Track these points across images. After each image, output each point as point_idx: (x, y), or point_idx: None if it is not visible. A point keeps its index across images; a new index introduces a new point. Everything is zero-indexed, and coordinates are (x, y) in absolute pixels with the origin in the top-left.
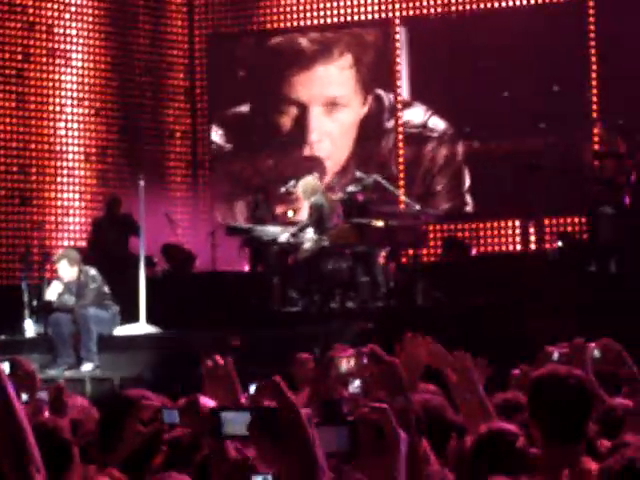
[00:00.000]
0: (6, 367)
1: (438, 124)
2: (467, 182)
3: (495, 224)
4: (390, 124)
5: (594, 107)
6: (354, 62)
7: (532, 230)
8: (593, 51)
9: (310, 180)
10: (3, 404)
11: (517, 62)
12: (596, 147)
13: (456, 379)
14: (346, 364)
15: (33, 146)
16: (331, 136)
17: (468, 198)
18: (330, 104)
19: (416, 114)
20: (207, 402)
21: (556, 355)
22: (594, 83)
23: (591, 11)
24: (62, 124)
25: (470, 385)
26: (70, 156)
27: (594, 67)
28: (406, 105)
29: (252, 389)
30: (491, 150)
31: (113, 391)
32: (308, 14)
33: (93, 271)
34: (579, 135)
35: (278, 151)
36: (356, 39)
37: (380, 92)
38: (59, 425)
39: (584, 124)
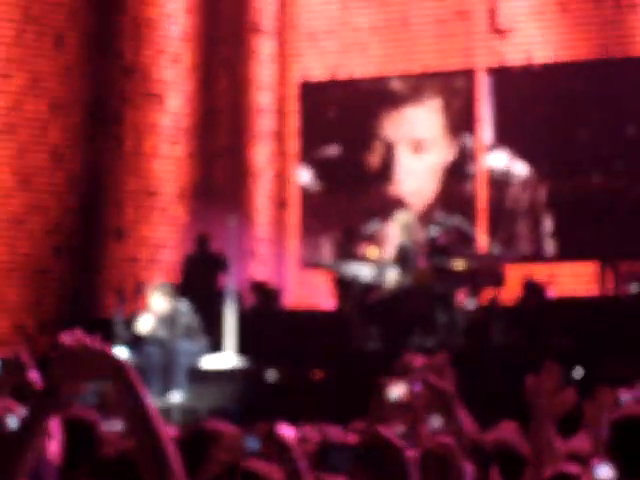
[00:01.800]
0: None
1: (520, 169)
2: (548, 226)
3: (573, 267)
4: (473, 168)
5: None
6: (442, 106)
7: (610, 274)
8: None
9: (406, 216)
10: (140, 414)
11: (592, 112)
12: None
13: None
14: (397, 391)
15: (129, 185)
16: (416, 176)
17: (549, 242)
18: (417, 145)
19: (499, 159)
20: (287, 431)
21: (626, 398)
22: None
23: None
24: (157, 164)
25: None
26: (164, 195)
27: None
28: (489, 150)
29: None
30: (572, 191)
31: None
32: (396, 63)
33: (184, 304)
34: None
35: (365, 189)
36: (445, 84)
37: (465, 137)
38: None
39: None
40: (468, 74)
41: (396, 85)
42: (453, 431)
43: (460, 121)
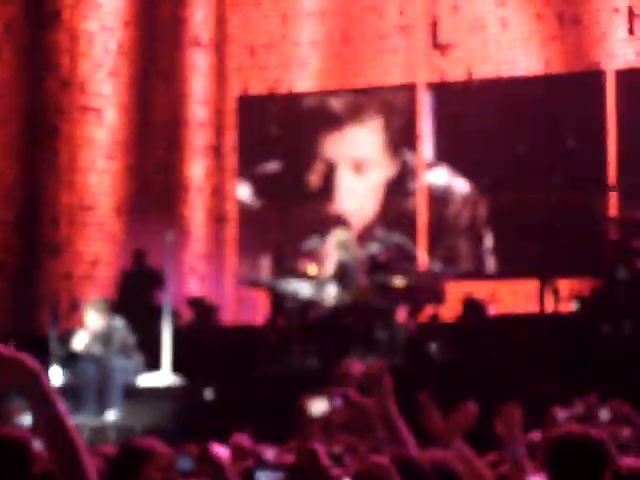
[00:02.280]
0: None
1: (461, 185)
2: (489, 243)
3: (514, 284)
4: (414, 185)
5: (610, 171)
6: (383, 124)
7: (548, 291)
8: (612, 123)
9: (344, 234)
10: (54, 421)
11: (534, 125)
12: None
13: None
14: (318, 406)
15: (64, 199)
16: (357, 194)
17: (489, 259)
18: (358, 165)
19: (440, 176)
20: (220, 451)
21: (562, 417)
22: (610, 148)
23: (608, 84)
24: (93, 178)
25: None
26: (100, 210)
27: (612, 137)
28: (430, 166)
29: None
30: (512, 207)
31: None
32: (337, 79)
33: (120, 321)
34: (595, 193)
35: (305, 207)
36: (386, 101)
37: (406, 154)
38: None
39: (600, 183)
40: (409, 89)
41: (337, 103)
42: (371, 446)
43: (401, 138)
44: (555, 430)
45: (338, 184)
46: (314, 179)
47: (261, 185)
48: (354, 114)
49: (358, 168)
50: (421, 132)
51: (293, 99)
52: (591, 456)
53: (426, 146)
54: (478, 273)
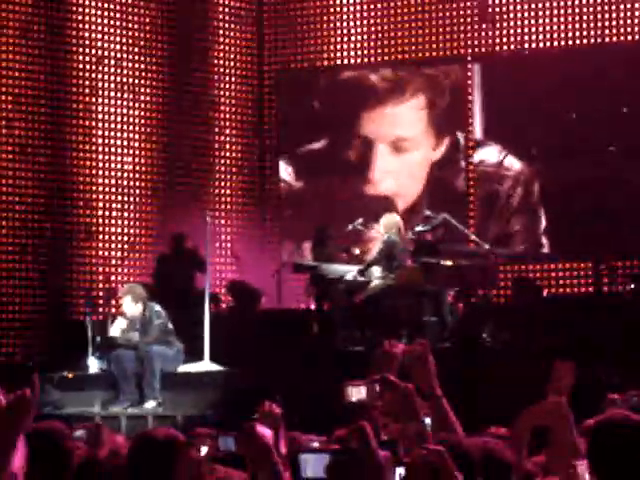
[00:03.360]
0: None
1: (514, 163)
2: (543, 223)
3: (567, 265)
4: (464, 164)
5: None
6: (427, 104)
7: (605, 272)
8: None
9: (391, 217)
10: None
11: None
12: None
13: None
14: (357, 392)
15: (100, 181)
16: (395, 175)
17: (544, 239)
18: (397, 143)
19: (491, 153)
20: (264, 430)
21: (618, 403)
22: None
23: None
24: (129, 159)
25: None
26: (137, 191)
27: None
28: (480, 144)
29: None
30: (564, 182)
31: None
32: (379, 50)
33: (158, 307)
34: None
35: (346, 188)
36: (430, 81)
37: (458, 134)
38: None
39: None
40: (457, 62)
41: (378, 80)
42: (415, 430)
43: (450, 118)
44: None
45: (376, 164)
46: (352, 159)
47: (302, 164)
48: (395, 91)
49: (398, 148)
50: (470, 109)
51: (333, 72)
52: (631, 441)
53: (475, 122)
54: (533, 255)
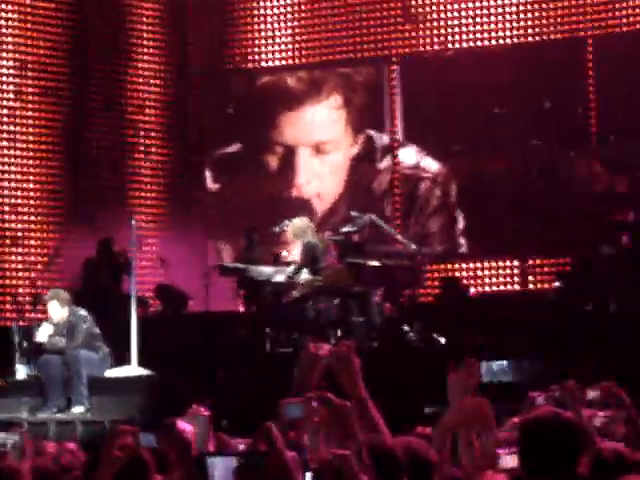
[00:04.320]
0: None
1: (431, 165)
2: (461, 223)
3: (492, 264)
4: (382, 165)
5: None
6: (343, 102)
7: (528, 270)
8: (590, 88)
9: (298, 221)
10: None
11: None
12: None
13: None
14: (294, 410)
15: (25, 185)
16: (320, 177)
17: (462, 240)
18: (319, 146)
19: (408, 155)
20: (185, 426)
21: (539, 400)
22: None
23: (589, 48)
24: (55, 163)
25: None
26: (62, 195)
27: (591, 96)
28: (399, 145)
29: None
30: (489, 179)
31: (102, 435)
32: (301, 52)
33: (83, 312)
34: (576, 158)
35: (267, 192)
36: (345, 79)
37: (371, 132)
38: (17, 470)
39: (580, 147)
40: (378, 63)
41: (294, 83)
42: (351, 448)
43: (366, 116)
44: (530, 414)
45: (299, 167)
46: (274, 163)
47: (223, 168)
48: (311, 92)
49: (319, 150)
50: (392, 109)
51: (253, 75)
52: (562, 438)
53: (395, 123)
54: (456, 254)
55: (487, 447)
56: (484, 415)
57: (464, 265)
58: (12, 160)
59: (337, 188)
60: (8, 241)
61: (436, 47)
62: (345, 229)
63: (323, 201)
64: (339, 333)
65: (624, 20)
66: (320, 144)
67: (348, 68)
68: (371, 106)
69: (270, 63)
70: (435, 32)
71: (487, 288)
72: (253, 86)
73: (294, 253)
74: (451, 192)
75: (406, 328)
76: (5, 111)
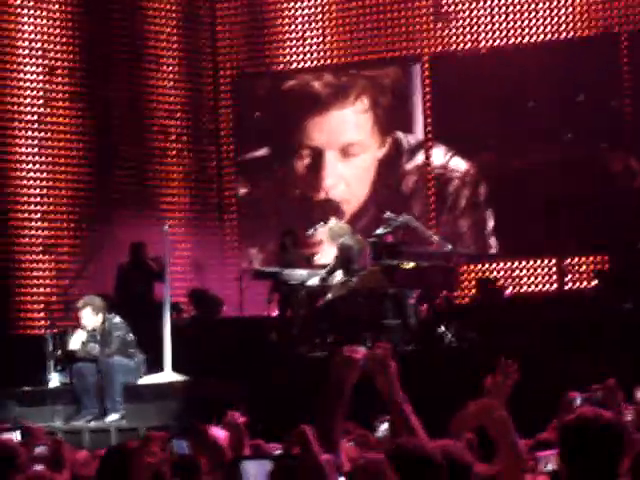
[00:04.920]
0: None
1: (459, 164)
2: (491, 223)
3: (528, 264)
4: (409, 166)
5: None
6: (370, 105)
7: (566, 269)
8: (625, 84)
9: (335, 224)
10: None
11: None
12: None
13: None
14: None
15: (55, 192)
16: (346, 180)
17: (492, 240)
18: (346, 149)
19: (436, 155)
20: (217, 432)
21: (578, 401)
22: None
23: (625, 43)
24: (85, 169)
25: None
26: (92, 202)
27: (627, 101)
28: (428, 146)
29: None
30: (519, 179)
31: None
32: (332, 52)
33: (117, 319)
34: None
35: (295, 196)
36: (372, 82)
37: (399, 134)
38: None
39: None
40: (408, 62)
41: (320, 87)
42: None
43: (393, 118)
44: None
45: (326, 171)
46: (301, 167)
47: (252, 172)
48: (338, 95)
49: (346, 153)
50: (420, 109)
51: (281, 78)
52: (604, 439)
53: (425, 122)
54: (491, 255)
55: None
56: (497, 416)
57: (500, 265)
58: (42, 167)
59: (365, 190)
60: (39, 249)
61: (467, 45)
62: (379, 231)
63: (351, 203)
64: (374, 336)
65: None
66: (347, 147)
67: (374, 70)
68: (399, 107)
69: (299, 64)
70: (467, 30)
71: (524, 288)
72: (280, 89)
73: (327, 256)
74: (480, 191)
75: (442, 329)
76: (35, 117)
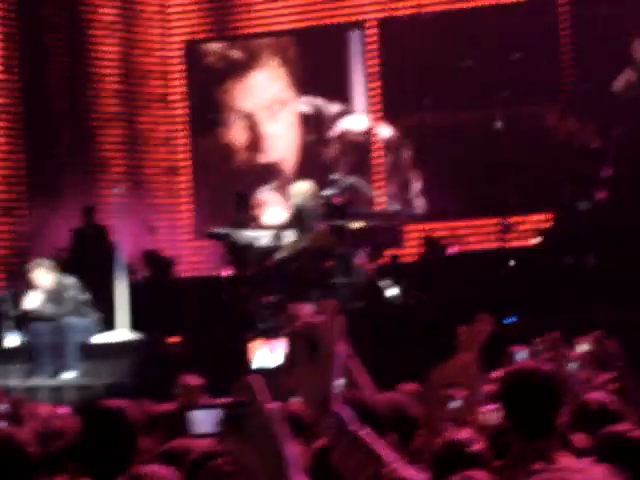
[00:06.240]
0: None
1: (381, 131)
2: (416, 186)
3: (473, 223)
4: (331, 132)
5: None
6: (285, 64)
7: (506, 227)
8: (565, 47)
9: (303, 184)
10: None
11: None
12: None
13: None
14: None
15: (15, 156)
16: (279, 138)
17: (418, 201)
18: (271, 107)
19: (358, 122)
20: (192, 380)
21: (521, 354)
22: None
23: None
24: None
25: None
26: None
27: (565, 57)
28: (348, 112)
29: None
30: (450, 133)
31: (94, 399)
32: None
33: (70, 279)
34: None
35: (239, 159)
36: (289, 44)
37: (319, 100)
38: (17, 436)
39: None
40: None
41: (237, 54)
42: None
43: (319, 81)
44: (513, 367)
45: (261, 133)
46: (240, 132)
47: (207, 136)
48: (253, 59)
49: (273, 113)
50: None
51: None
52: (543, 391)
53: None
54: (439, 213)
55: (470, 404)
56: (471, 372)
57: (443, 224)
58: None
59: (294, 152)
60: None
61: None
62: (327, 192)
63: (287, 165)
64: (322, 295)
65: None
66: (271, 105)
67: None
68: (327, 72)
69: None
70: None
71: (468, 246)
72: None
73: (274, 217)
74: (404, 156)
75: (388, 287)
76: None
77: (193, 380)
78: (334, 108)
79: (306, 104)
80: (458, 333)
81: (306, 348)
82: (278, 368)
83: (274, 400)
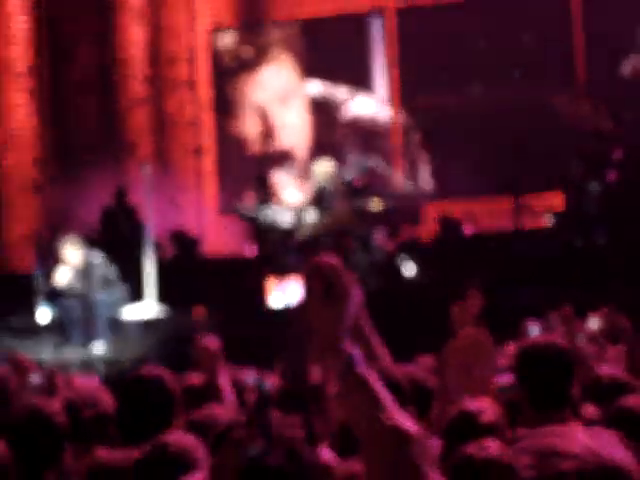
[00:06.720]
0: None
1: (389, 115)
2: (426, 169)
3: (489, 203)
4: (341, 116)
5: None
6: (295, 55)
7: (520, 208)
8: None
9: (325, 164)
10: None
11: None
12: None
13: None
14: None
15: (45, 138)
16: (292, 126)
17: (429, 182)
18: (282, 97)
19: (366, 106)
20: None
21: (534, 328)
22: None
23: None
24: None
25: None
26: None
27: (578, 41)
28: (354, 96)
29: None
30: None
31: (125, 372)
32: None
33: (99, 255)
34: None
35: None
36: (295, 35)
37: (327, 85)
38: (48, 407)
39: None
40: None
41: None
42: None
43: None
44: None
45: (273, 121)
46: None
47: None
48: (261, 54)
49: (284, 101)
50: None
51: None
52: (557, 364)
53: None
54: (452, 193)
55: (484, 375)
56: (483, 344)
57: (459, 205)
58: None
59: (307, 136)
60: (31, 189)
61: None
62: (348, 173)
63: (300, 150)
64: None
65: None
66: (282, 94)
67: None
68: (348, 60)
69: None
70: None
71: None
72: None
73: (295, 197)
74: (413, 140)
75: (406, 266)
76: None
77: (211, 342)
78: (354, 94)
79: (322, 90)
80: (450, 310)
81: (321, 286)
82: (293, 306)
83: (290, 337)
